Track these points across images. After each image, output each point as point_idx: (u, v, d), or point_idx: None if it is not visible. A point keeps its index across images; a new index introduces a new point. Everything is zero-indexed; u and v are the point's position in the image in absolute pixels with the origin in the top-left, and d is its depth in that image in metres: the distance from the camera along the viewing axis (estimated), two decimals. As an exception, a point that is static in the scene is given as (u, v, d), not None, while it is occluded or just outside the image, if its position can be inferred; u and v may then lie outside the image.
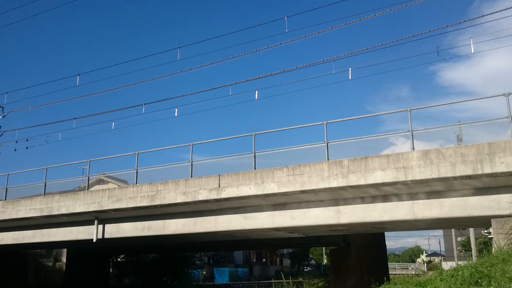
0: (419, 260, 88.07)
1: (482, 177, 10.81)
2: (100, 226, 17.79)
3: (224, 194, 13.82)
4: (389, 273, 24.89)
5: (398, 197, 12.64)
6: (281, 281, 14.32)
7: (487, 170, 10.54)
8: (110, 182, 35.05)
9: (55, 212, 17.51)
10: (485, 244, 30.45)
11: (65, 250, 31.92)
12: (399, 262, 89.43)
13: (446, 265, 43.38)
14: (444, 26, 15.27)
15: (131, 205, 15.70)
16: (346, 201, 13.35)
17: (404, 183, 11.57)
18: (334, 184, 12.20)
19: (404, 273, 60.34)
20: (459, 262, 18.66)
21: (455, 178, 10.96)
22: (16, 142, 28.06)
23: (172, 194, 14.83)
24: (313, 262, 72.26)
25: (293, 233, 17.72)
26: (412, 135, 12.14)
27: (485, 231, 28.19)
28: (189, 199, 14.47)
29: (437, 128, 12.43)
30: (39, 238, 19.86)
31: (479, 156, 10.65)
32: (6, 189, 21.24)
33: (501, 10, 13.96)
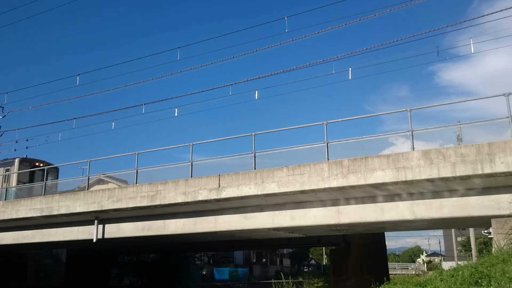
0: (419, 260, 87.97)
1: (482, 177, 10.80)
2: (100, 226, 17.78)
3: (224, 194, 13.81)
4: (389, 273, 24.89)
5: (398, 197, 12.63)
6: (281, 281, 14.32)
7: (487, 170, 10.53)
8: (110, 182, 35.01)
9: (55, 212, 17.50)
10: (485, 244, 30.43)
11: (65, 250, 31.90)
12: (399, 262, 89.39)
13: (446, 265, 43.36)
14: (444, 26, 15.31)
15: (131, 205, 15.69)
16: (346, 201, 13.34)
17: (404, 183, 11.56)
18: (334, 184, 12.19)
19: (404, 273, 60.29)
20: (459, 262, 18.65)
21: (455, 178, 10.96)
22: (16, 142, 28.17)
23: (172, 194, 14.82)
24: (313, 262, 72.25)
25: (293, 233, 17.71)
26: (412, 135, 12.13)
27: (485, 231, 28.17)
28: (189, 199, 14.46)
29: (437, 128, 12.42)
30: (39, 238, 19.85)
31: (479, 156, 10.65)
32: (6, 189, 21.26)
33: (500, 10, 14.00)
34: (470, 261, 10.72)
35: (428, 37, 16.15)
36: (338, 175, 12.16)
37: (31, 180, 23.59)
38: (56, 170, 24.00)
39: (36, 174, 24.09)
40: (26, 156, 25.97)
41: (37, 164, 25.12)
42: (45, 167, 22.67)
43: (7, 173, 24.72)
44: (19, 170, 24.46)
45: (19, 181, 23.84)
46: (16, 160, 24.99)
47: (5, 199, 20.27)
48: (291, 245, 37.45)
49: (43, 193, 18.85)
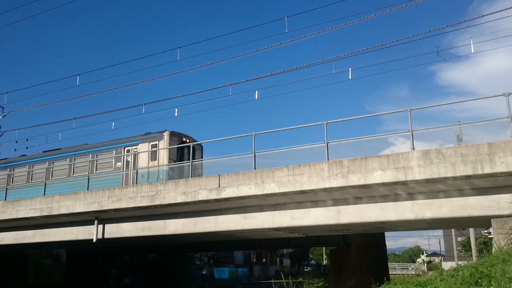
0: (419, 260, 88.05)
1: (482, 177, 10.80)
2: (100, 226, 17.78)
3: (224, 194, 13.81)
4: (389, 273, 24.88)
5: (398, 197, 12.62)
6: (281, 281, 14.30)
7: (487, 170, 10.53)
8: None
9: (55, 212, 17.49)
10: (485, 244, 30.47)
11: (65, 250, 31.91)
12: (399, 262, 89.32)
13: (446, 265, 43.36)
14: (443, 26, 15.33)
15: (131, 205, 15.69)
16: (346, 201, 13.34)
17: (404, 183, 11.56)
18: (334, 184, 12.19)
19: (404, 273, 60.32)
20: (459, 262, 18.64)
21: (455, 178, 10.96)
22: (16, 142, 28.17)
23: (172, 194, 14.82)
24: (313, 262, 72.24)
25: (293, 233, 17.71)
26: (412, 135, 12.13)
27: (485, 231, 28.20)
28: (189, 199, 14.46)
29: (437, 128, 12.43)
30: (39, 238, 19.85)
31: (479, 156, 10.65)
32: (6, 189, 21.25)
33: (500, 10, 14.00)
34: (470, 261, 10.72)
35: (428, 37, 16.22)
36: (338, 175, 12.16)
37: (180, 158, 19.65)
38: (201, 148, 20.71)
39: (184, 151, 20.18)
40: (165, 129, 20.91)
41: (184, 139, 20.73)
42: (192, 143, 19.04)
43: (153, 149, 19.99)
44: (169, 145, 19.93)
45: (170, 159, 19.59)
46: (166, 133, 20.16)
47: (157, 180, 17.31)
48: (291, 245, 37.37)
49: (190, 174, 15.67)
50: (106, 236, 17.84)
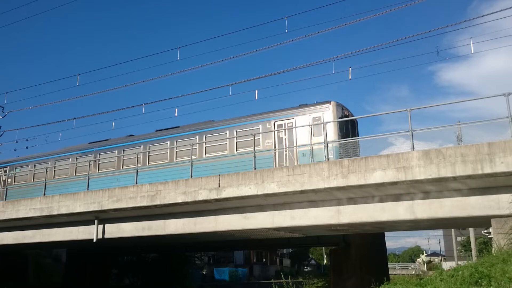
0: (419, 260, 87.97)
1: (482, 177, 10.81)
2: (100, 226, 17.79)
3: (224, 194, 13.82)
4: (389, 273, 24.88)
5: (398, 197, 12.63)
6: (281, 281, 14.30)
7: (487, 170, 10.54)
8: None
9: (55, 212, 17.50)
10: (485, 244, 30.46)
11: (65, 250, 31.93)
12: (399, 262, 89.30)
13: (446, 265, 43.35)
14: (443, 26, 15.34)
15: (131, 205, 15.69)
16: (346, 201, 13.35)
17: (404, 183, 11.57)
18: (334, 184, 12.20)
19: (404, 273, 60.24)
20: (459, 262, 18.64)
21: (455, 178, 10.96)
22: (16, 142, 28.24)
23: (172, 194, 14.83)
24: (313, 262, 72.25)
25: (293, 233, 17.71)
26: (412, 135, 12.14)
27: (485, 231, 28.20)
28: (189, 199, 14.47)
29: (437, 128, 12.44)
30: (39, 238, 19.85)
31: (479, 156, 10.65)
32: (6, 188, 21.26)
33: (500, 10, 14.01)
34: (470, 261, 10.73)
35: (428, 37, 16.26)
36: (338, 175, 12.17)
37: (346, 135, 16.72)
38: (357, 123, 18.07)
39: (347, 126, 17.29)
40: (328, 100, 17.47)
41: (345, 112, 17.56)
42: (354, 118, 16.82)
43: (316, 123, 16.68)
44: (336, 118, 16.68)
45: (338, 135, 16.54)
46: (333, 104, 16.88)
47: (327, 159, 13.81)
48: (291, 245, 37.39)
49: (358, 152, 13.90)
50: (106, 236, 17.84)
